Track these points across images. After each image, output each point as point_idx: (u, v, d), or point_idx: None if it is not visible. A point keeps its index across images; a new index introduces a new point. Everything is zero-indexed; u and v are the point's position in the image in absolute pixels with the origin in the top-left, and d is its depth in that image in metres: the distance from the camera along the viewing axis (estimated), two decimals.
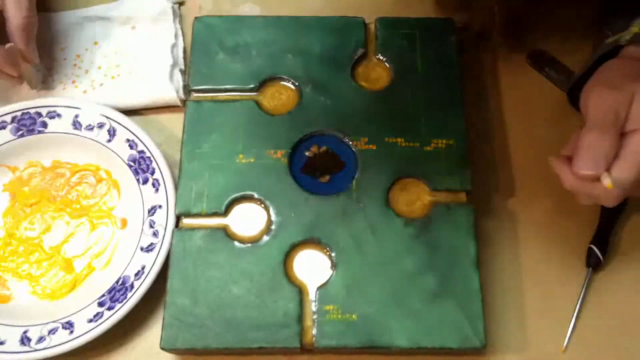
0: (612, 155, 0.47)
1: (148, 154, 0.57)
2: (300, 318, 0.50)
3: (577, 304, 0.54)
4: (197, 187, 0.55)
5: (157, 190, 0.56)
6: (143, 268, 0.53)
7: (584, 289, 0.54)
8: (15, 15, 0.56)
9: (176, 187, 0.55)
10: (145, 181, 0.57)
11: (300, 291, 0.51)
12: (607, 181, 0.47)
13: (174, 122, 0.61)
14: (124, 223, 0.57)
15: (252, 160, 0.56)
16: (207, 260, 0.52)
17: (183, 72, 0.63)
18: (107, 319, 0.51)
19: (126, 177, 0.58)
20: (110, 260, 0.56)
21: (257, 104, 0.58)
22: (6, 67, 0.58)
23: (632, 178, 0.47)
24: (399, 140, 0.56)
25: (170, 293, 0.51)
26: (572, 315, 0.54)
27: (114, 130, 0.58)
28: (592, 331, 0.54)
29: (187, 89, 0.60)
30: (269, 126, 0.57)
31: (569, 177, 0.49)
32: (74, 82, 0.62)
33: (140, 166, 0.57)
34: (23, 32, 0.57)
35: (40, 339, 0.51)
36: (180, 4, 0.67)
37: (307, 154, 0.57)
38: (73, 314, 0.52)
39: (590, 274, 0.55)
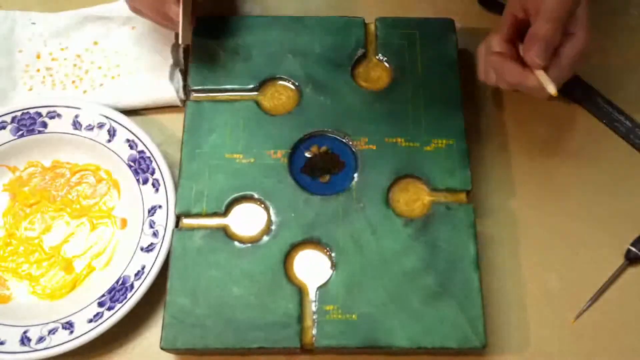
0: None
1: (148, 154, 0.57)
2: (300, 318, 0.50)
3: (601, 287, 0.54)
4: (197, 187, 0.55)
5: (157, 190, 0.56)
6: (143, 268, 0.53)
7: (613, 277, 0.55)
8: None
9: (176, 187, 0.55)
10: (145, 181, 0.57)
11: (300, 291, 0.51)
12: (552, 88, 0.51)
13: (174, 122, 0.61)
14: (124, 223, 0.57)
15: (252, 160, 0.56)
16: (207, 260, 0.52)
17: (183, 72, 0.63)
18: (107, 319, 0.51)
19: (126, 177, 0.58)
20: (110, 260, 0.56)
21: (257, 104, 0.58)
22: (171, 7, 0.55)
23: (566, 77, 0.52)
24: (399, 140, 0.56)
25: (170, 293, 0.51)
26: (594, 295, 0.54)
27: (114, 130, 0.58)
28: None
29: (187, 89, 0.60)
30: (269, 126, 0.57)
31: (514, 70, 0.52)
32: (73, 82, 0.62)
33: (140, 166, 0.57)
34: None
35: (40, 339, 0.51)
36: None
37: (307, 154, 0.57)
38: (73, 314, 0.52)
39: (625, 265, 0.55)
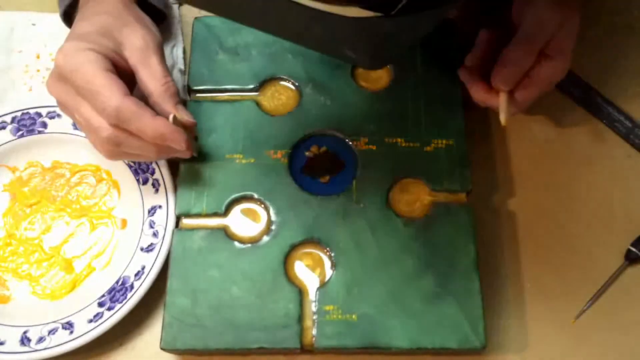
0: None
1: None
2: (300, 318, 0.50)
3: (601, 287, 0.54)
4: (197, 187, 0.55)
5: (157, 190, 0.56)
6: (143, 268, 0.53)
7: (613, 277, 0.55)
8: (154, 86, 0.50)
9: (176, 187, 0.55)
10: (145, 181, 0.57)
11: (300, 291, 0.51)
12: (503, 118, 0.52)
13: None
14: (124, 223, 0.57)
15: (252, 160, 0.56)
16: (207, 261, 0.52)
17: (183, 72, 0.63)
18: (107, 319, 0.51)
19: (126, 177, 0.58)
20: (110, 260, 0.56)
21: (257, 104, 0.58)
22: (180, 140, 0.49)
23: (533, 99, 0.52)
24: (399, 140, 0.56)
25: (170, 293, 0.51)
26: (595, 295, 0.54)
27: None
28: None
29: (187, 89, 0.60)
30: (269, 126, 0.57)
31: (479, 90, 0.53)
32: None
33: (140, 166, 0.57)
34: (170, 99, 0.50)
35: (40, 339, 0.51)
36: (180, 4, 0.67)
37: (307, 154, 0.57)
38: (73, 314, 0.52)
39: (625, 265, 0.55)
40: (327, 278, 0.52)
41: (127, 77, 0.50)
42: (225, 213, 0.54)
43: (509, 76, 0.51)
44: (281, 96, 0.59)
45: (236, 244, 0.53)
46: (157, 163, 0.57)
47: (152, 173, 0.57)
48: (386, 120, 0.57)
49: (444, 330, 0.50)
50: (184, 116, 0.51)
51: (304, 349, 0.50)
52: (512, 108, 0.53)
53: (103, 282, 0.54)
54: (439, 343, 0.50)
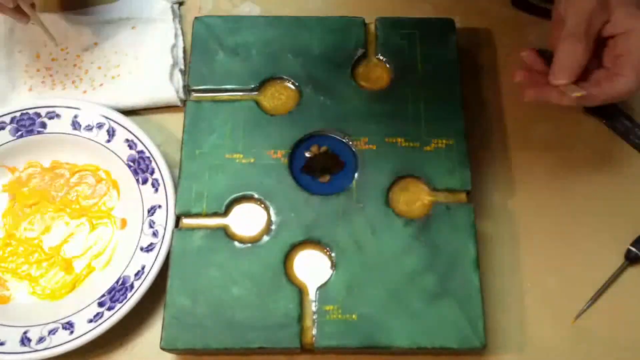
0: (585, 62, 0.50)
1: (147, 154, 0.57)
2: (300, 318, 0.50)
3: (601, 287, 0.54)
4: (197, 187, 0.55)
5: (156, 190, 0.56)
6: (143, 268, 0.53)
7: (613, 277, 0.55)
8: None
9: (176, 187, 0.55)
10: (144, 181, 0.57)
11: (300, 291, 0.51)
12: (575, 94, 0.49)
13: (174, 122, 0.61)
14: (123, 223, 0.57)
15: (252, 160, 0.56)
16: (207, 260, 0.52)
17: (183, 72, 0.63)
18: (107, 319, 0.51)
19: (125, 177, 0.58)
20: (110, 260, 0.56)
21: (257, 104, 0.58)
22: None
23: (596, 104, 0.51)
24: (399, 140, 0.56)
25: (170, 293, 0.51)
26: (594, 295, 0.54)
27: (113, 131, 0.58)
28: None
29: (187, 89, 0.60)
30: (269, 126, 0.57)
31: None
32: (73, 82, 0.62)
33: (140, 166, 0.57)
34: None
35: (41, 340, 0.51)
36: (180, 4, 0.67)
37: (307, 154, 0.57)
38: (73, 314, 0.52)
39: (625, 265, 0.55)
40: (327, 278, 0.52)
41: None
42: (225, 213, 0.54)
43: (562, 68, 0.50)
44: (281, 96, 0.59)
45: (236, 243, 0.53)
46: (156, 163, 0.57)
47: (152, 173, 0.57)
48: (386, 120, 0.57)
49: (444, 330, 0.50)
50: None
51: (304, 349, 0.50)
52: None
53: (103, 282, 0.54)
54: (439, 343, 0.50)
